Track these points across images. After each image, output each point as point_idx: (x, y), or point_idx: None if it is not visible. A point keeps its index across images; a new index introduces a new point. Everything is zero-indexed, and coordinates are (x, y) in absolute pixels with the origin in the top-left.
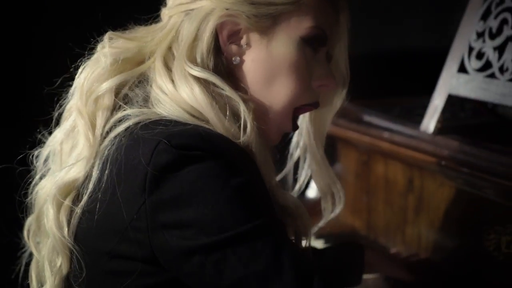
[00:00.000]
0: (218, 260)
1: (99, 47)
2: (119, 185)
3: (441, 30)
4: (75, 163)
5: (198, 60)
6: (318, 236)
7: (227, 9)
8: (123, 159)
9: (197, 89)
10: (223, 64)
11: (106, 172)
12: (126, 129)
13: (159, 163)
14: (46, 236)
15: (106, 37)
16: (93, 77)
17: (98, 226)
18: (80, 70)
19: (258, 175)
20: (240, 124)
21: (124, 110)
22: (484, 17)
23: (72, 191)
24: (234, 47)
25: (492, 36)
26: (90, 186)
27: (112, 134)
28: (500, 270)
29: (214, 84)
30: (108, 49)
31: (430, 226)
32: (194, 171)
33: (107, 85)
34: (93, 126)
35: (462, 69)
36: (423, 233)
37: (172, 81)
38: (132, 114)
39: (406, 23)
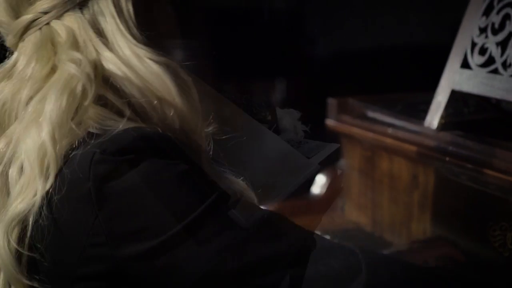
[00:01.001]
0: (184, 252)
1: None
2: (64, 207)
3: (445, 25)
4: (22, 195)
5: None
6: (323, 233)
7: None
8: (59, 180)
9: None
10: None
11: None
12: None
13: (99, 174)
14: None
15: None
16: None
17: (53, 253)
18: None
19: (194, 163)
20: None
21: None
22: (487, 12)
23: (20, 223)
24: None
25: (495, 32)
26: (33, 215)
27: None
28: (506, 266)
29: None
30: None
31: (435, 223)
32: (135, 174)
33: None
34: None
35: (465, 64)
36: (428, 229)
37: None
38: None
39: (409, 18)
